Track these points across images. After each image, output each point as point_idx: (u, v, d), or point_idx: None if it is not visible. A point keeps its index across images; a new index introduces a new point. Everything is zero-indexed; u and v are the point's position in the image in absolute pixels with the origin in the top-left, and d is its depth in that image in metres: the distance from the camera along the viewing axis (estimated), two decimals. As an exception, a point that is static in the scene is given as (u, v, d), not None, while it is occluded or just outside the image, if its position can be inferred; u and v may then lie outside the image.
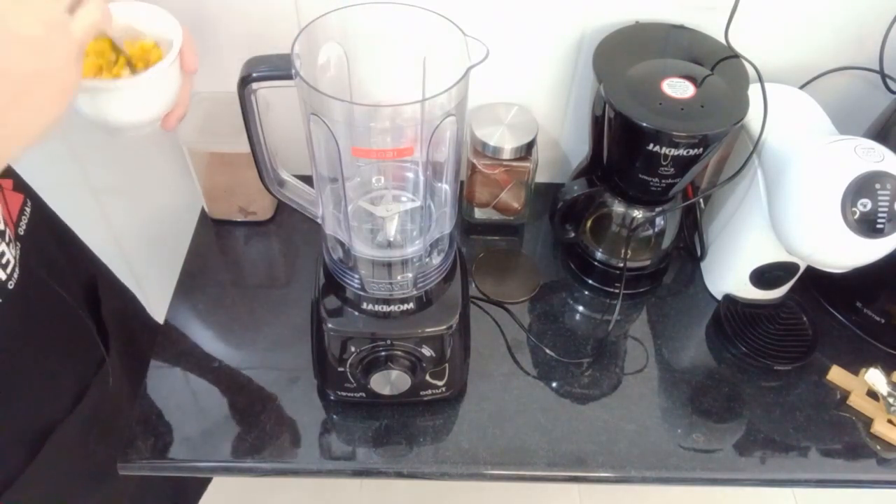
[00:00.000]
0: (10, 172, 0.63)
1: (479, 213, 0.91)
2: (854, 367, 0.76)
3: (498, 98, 0.86)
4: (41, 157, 0.67)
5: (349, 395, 0.69)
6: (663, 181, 0.72)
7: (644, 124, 0.66)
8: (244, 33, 0.79)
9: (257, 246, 0.88)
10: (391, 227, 0.62)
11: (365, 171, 0.64)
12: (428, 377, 0.68)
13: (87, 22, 0.41)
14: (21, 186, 0.64)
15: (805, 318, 0.81)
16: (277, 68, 0.51)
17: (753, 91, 0.70)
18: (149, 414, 0.70)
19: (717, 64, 0.73)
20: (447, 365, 0.67)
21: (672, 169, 0.70)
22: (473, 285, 0.84)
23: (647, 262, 0.83)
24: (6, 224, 0.58)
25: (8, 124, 0.39)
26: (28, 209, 0.63)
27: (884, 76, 0.78)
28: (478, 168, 0.84)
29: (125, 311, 0.86)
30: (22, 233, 0.60)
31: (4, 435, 0.61)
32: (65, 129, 0.94)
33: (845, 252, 0.65)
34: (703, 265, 0.87)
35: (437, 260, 0.64)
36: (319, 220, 0.63)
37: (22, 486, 0.61)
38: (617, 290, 0.81)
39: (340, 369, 0.66)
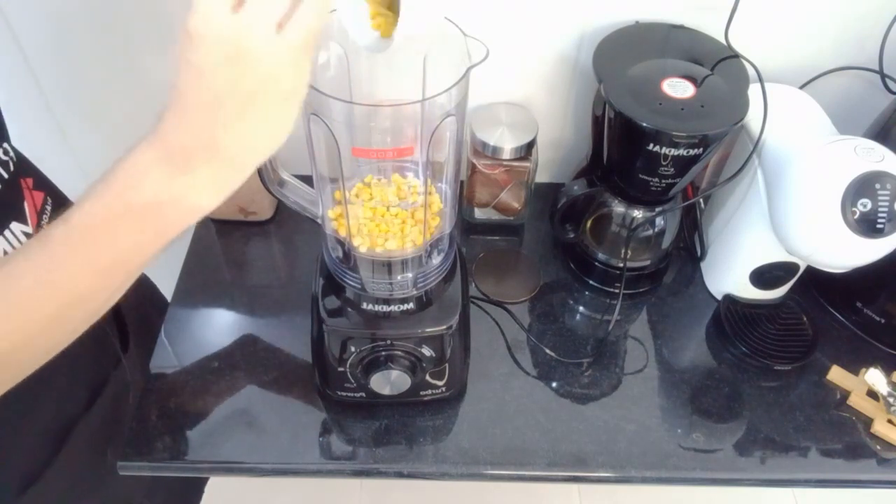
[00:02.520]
0: (30, 170, 0.64)
1: (479, 213, 0.91)
2: (854, 367, 0.76)
3: (498, 98, 0.86)
4: (40, 158, 0.67)
5: (349, 395, 0.69)
6: (663, 181, 0.72)
7: (644, 124, 0.66)
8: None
9: (257, 246, 0.88)
10: (391, 227, 0.62)
11: (365, 171, 0.64)
12: (428, 377, 0.68)
13: (304, 31, 0.38)
14: (41, 184, 0.64)
15: (805, 318, 0.80)
16: (278, 68, 0.51)
17: (753, 91, 0.70)
18: (149, 414, 0.70)
19: (717, 64, 0.73)
20: (447, 365, 0.67)
21: (672, 169, 0.70)
22: (473, 285, 0.83)
23: (647, 262, 0.83)
24: (30, 223, 0.58)
25: (238, 141, 0.39)
26: (49, 207, 0.63)
27: (884, 76, 0.78)
28: (478, 168, 0.84)
29: (142, 298, 0.87)
30: None
31: (31, 429, 0.62)
32: (65, 129, 0.94)
33: (845, 252, 0.65)
34: (703, 265, 0.87)
35: (437, 260, 0.64)
36: (319, 220, 0.63)
37: (49, 479, 0.63)
38: (617, 290, 0.81)
39: (340, 369, 0.66)
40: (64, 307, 0.42)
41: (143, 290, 0.90)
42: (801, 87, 0.80)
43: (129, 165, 0.39)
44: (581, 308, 0.84)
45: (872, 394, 0.73)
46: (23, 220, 0.58)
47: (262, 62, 0.37)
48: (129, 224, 0.40)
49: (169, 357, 0.75)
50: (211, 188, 0.41)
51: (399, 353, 0.64)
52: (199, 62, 0.37)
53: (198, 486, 1.01)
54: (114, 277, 0.43)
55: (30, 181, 0.61)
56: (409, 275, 0.62)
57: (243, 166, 0.41)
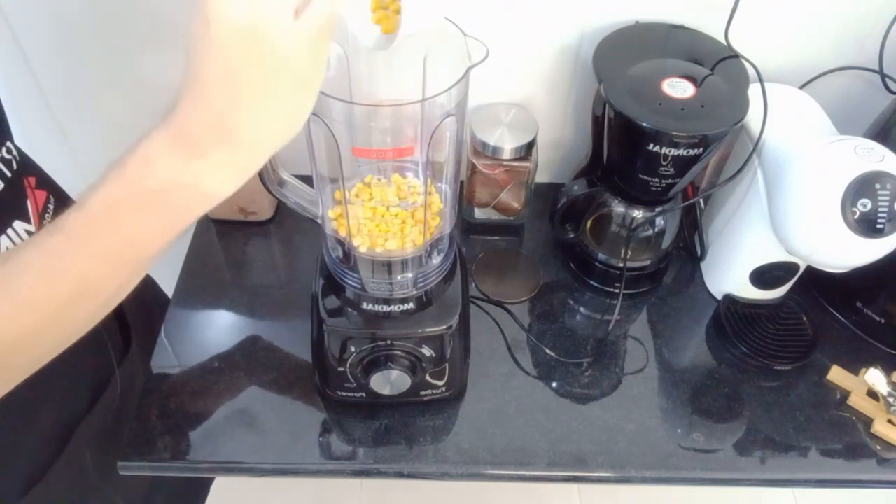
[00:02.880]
0: (32, 169, 0.64)
1: (479, 213, 0.91)
2: (854, 367, 0.76)
3: (498, 98, 0.86)
4: (41, 158, 0.67)
5: (349, 395, 0.69)
6: (663, 181, 0.72)
7: (644, 124, 0.66)
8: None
9: (257, 246, 0.88)
10: (391, 227, 0.62)
11: (365, 171, 0.64)
12: (428, 377, 0.68)
13: (320, 18, 0.38)
14: (44, 182, 0.64)
15: (805, 318, 0.80)
16: (277, 68, 0.51)
17: (753, 91, 0.70)
18: (149, 414, 0.70)
19: (717, 64, 0.73)
20: (447, 365, 0.67)
21: (672, 169, 0.70)
22: (473, 285, 0.83)
23: (647, 262, 0.83)
24: (33, 221, 0.59)
25: (252, 124, 0.39)
26: (51, 206, 0.63)
27: (883, 76, 0.78)
28: (478, 168, 0.84)
29: (143, 297, 0.87)
30: None
31: (34, 429, 0.62)
32: (65, 129, 0.94)
33: (845, 252, 0.65)
34: (703, 265, 0.87)
35: (437, 260, 0.64)
36: (319, 220, 0.63)
37: (51, 479, 0.63)
38: (617, 290, 0.80)
39: (340, 369, 0.66)
40: (73, 297, 0.41)
41: (144, 288, 0.90)
42: (801, 87, 0.80)
43: (141, 150, 0.39)
44: (581, 308, 0.84)
45: (872, 394, 0.73)
46: (26, 219, 0.58)
47: (278, 47, 0.37)
48: (140, 209, 0.40)
49: (169, 357, 0.75)
50: (224, 173, 0.40)
51: (399, 353, 0.64)
52: (215, 44, 0.37)
53: (202, 486, 1.01)
54: (124, 266, 0.43)
55: (32, 180, 0.61)
56: (409, 275, 0.62)
57: (257, 151, 0.41)
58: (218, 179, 0.40)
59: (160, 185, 0.39)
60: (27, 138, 0.66)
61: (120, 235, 0.40)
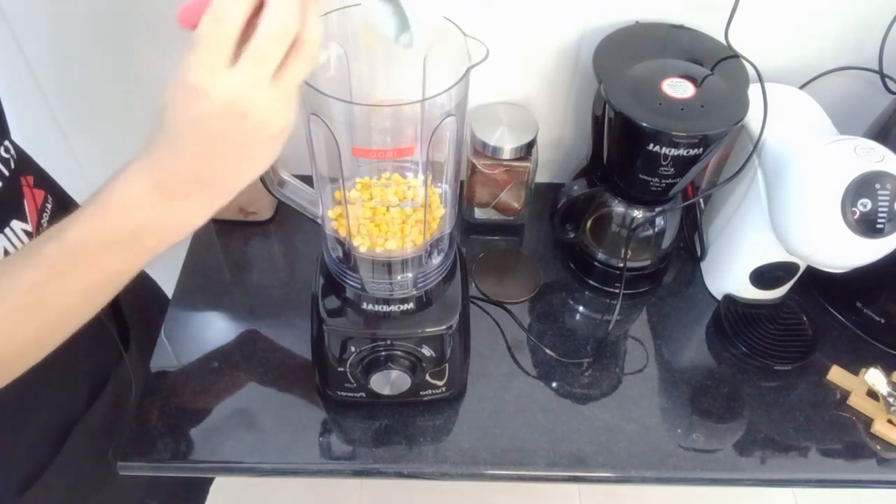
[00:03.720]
0: (30, 168, 0.64)
1: (479, 213, 0.91)
2: (854, 367, 0.76)
3: (498, 98, 0.86)
4: (40, 157, 0.67)
5: (349, 395, 0.69)
6: (663, 181, 0.72)
7: (644, 124, 0.66)
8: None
9: (257, 246, 0.88)
10: (391, 227, 0.62)
11: (365, 171, 0.64)
12: (428, 377, 0.68)
13: (296, 79, 0.40)
14: (42, 181, 0.65)
15: (805, 318, 0.80)
16: (277, 68, 0.51)
17: (753, 91, 0.70)
18: (149, 414, 0.70)
19: (717, 64, 0.73)
20: (447, 365, 0.67)
21: (672, 169, 0.70)
22: (473, 285, 0.83)
23: (647, 262, 0.83)
24: (30, 221, 0.58)
25: (227, 174, 0.42)
26: (49, 205, 0.63)
27: (883, 76, 0.78)
28: (478, 168, 0.84)
29: (143, 296, 0.87)
30: (43, 230, 0.61)
31: (31, 429, 0.62)
32: (65, 129, 0.94)
33: (845, 252, 0.65)
34: (703, 265, 0.87)
35: (437, 260, 0.64)
36: (319, 220, 0.63)
37: (49, 478, 0.63)
38: (617, 290, 0.80)
39: (340, 369, 0.66)
40: (47, 325, 0.44)
41: (144, 288, 0.90)
42: (801, 87, 0.80)
43: (122, 190, 0.41)
44: (581, 308, 0.84)
45: (872, 394, 0.73)
46: (23, 219, 0.58)
47: (256, 113, 0.39)
48: (120, 246, 0.42)
49: (169, 357, 0.75)
50: (199, 212, 0.43)
51: (399, 353, 0.64)
52: (194, 114, 0.38)
53: (202, 486, 1.01)
54: (100, 295, 0.46)
55: (30, 179, 0.61)
56: (409, 275, 0.62)
57: (230, 192, 0.44)
58: (194, 217, 0.44)
59: (140, 226, 0.42)
60: (27, 138, 0.66)
61: (99, 270, 0.43)
